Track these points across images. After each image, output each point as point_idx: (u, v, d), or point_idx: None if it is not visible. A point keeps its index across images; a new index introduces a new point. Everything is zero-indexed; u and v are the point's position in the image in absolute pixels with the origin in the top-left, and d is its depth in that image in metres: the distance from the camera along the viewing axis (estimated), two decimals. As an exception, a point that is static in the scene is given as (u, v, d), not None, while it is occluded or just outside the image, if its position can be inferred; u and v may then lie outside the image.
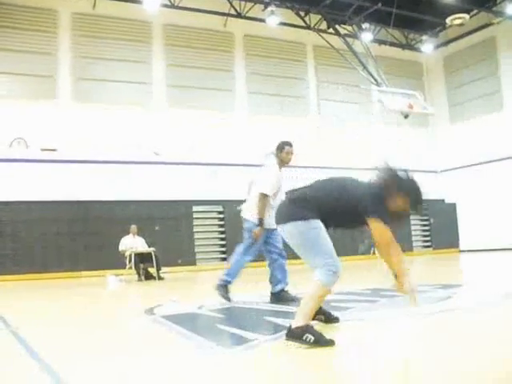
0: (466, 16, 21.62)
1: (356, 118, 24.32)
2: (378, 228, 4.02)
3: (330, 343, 3.77)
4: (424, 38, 25.42)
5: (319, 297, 4.02)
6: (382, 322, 5.06)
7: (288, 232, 4.23)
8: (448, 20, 21.95)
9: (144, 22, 20.82)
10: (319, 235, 4.10)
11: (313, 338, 3.76)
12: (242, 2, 21.74)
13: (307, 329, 3.83)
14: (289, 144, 7.35)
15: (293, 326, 3.89)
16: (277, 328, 4.77)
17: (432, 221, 24.72)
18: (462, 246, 25.15)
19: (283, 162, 7.34)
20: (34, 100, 18.78)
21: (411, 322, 4.92)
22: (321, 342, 3.75)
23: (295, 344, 3.81)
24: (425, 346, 3.89)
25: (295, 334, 3.84)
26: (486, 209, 23.96)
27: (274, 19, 21.24)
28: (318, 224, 4.12)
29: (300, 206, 4.22)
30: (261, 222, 7.01)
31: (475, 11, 22.96)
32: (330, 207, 4.20)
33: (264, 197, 7.05)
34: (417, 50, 26.21)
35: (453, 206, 25.81)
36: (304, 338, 3.78)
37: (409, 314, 5.14)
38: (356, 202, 4.13)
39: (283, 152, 7.30)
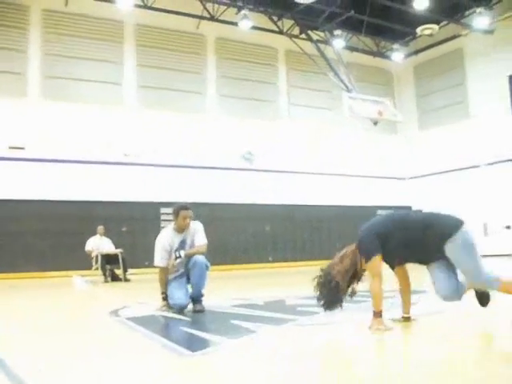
0: (436, 27, 22.01)
1: (326, 124, 24.47)
2: None
3: None
4: (395, 46, 25.71)
5: None
6: (345, 325, 5.11)
7: None
8: (418, 30, 22.32)
9: (116, 21, 20.69)
10: None
11: None
12: (216, 5, 21.72)
13: None
14: (184, 208, 6.77)
15: None
16: (242, 331, 4.79)
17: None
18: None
19: (179, 228, 6.78)
20: (2, 97, 18.52)
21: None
22: None
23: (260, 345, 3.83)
24: (384, 350, 3.95)
25: None
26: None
27: (247, 23, 21.28)
28: None
29: None
30: (165, 296, 6.66)
31: (444, 22, 23.37)
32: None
33: (159, 269, 6.73)
34: (387, 57, 26.49)
35: (420, 213, 26.05)
36: None
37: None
38: None
39: (179, 217, 6.74)
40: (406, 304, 5.01)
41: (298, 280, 13.09)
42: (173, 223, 6.84)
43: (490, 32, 22.88)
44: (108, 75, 20.40)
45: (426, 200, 25.68)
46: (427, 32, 22.57)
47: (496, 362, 3.35)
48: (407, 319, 4.94)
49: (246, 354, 3.96)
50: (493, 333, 4.59)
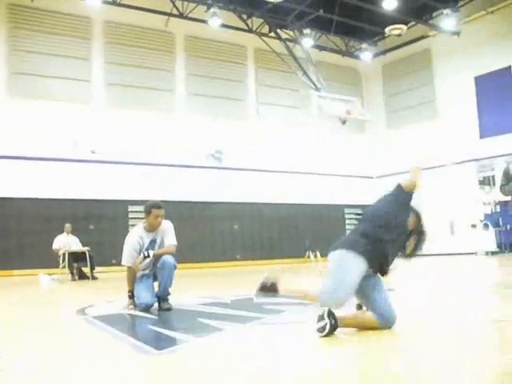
0: (404, 27, 22.25)
1: (295, 123, 24.58)
2: None
3: None
4: (363, 45, 25.95)
5: None
6: (311, 323, 5.14)
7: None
8: (387, 30, 22.54)
9: (84, 17, 20.53)
10: None
11: None
12: (185, 3, 21.67)
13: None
14: (157, 206, 6.60)
15: None
16: (209, 329, 4.79)
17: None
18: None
19: (151, 227, 6.61)
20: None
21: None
22: None
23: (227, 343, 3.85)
24: (349, 345, 3.99)
25: None
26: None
27: (216, 21, 21.28)
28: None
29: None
30: (131, 294, 6.55)
31: (412, 23, 23.66)
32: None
33: (127, 268, 6.61)
34: (356, 57, 26.70)
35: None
36: None
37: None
38: None
39: (151, 216, 6.56)
40: None
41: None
42: (143, 221, 6.72)
43: (456, 33, 23.25)
44: (76, 72, 20.21)
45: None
46: (396, 32, 22.82)
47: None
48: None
49: (213, 352, 3.97)
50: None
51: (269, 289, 4.54)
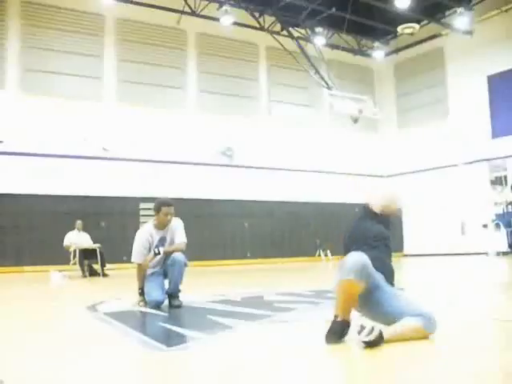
0: (416, 26, 22.20)
1: (306, 121, 24.55)
2: None
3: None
4: (376, 44, 25.86)
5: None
6: (320, 323, 5.14)
7: None
8: (399, 29, 22.48)
9: (97, 14, 20.56)
10: None
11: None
12: (197, 0, 21.67)
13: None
14: (167, 204, 6.58)
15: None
16: (219, 327, 4.80)
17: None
18: (406, 251, 25.66)
19: (161, 224, 6.62)
20: (-21, 90, 18.37)
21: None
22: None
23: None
24: (353, 348, 3.98)
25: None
26: (430, 214, 24.53)
27: (228, 19, 21.28)
28: None
29: None
30: (141, 291, 6.62)
31: (425, 22, 23.56)
32: None
33: (137, 265, 6.65)
34: (368, 56, 26.61)
35: (398, 211, 26.23)
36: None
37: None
38: None
39: (160, 213, 6.55)
40: None
41: (277, 276, 13.14)
42: (153, 219, 6.72)
43: (469, 33, 23.12)
44: (88, 69, 20.26)
45: (405, 198, 25.84)
46: (408, 31, 22.76)
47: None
48: None
49: (222, 349, 3.98)
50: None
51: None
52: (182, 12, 21.74)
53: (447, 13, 23.31)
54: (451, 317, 5.24)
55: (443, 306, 6.22)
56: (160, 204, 6.58)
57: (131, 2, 20.57)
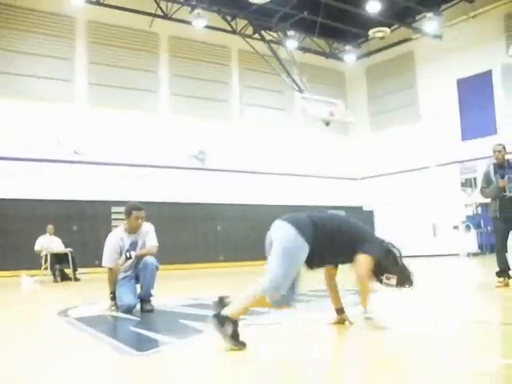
0: (387, 30, 22.41)
1: (278, 124, 24.65)
2: (363, 261, 4.47)
3: (241, 345, 3.84)
4: (347, 48, 26.06)
5: (254, 298, 4.18)
6: (294, 324, 5.17)
7: (282, 229, 4.35)
8: (370, 32, 22.65)
9: (68, 17, 20.44)
10: (297, 256, 4.24)
11: (231, 331, 3.84)
12: (169, 3, 21.64)
13: (232, 321, 3.89)
14: (137, 208, 6.58)
15: (222, 313, 3.94)
16: (191, 331, 4.81)
17: (350, 227, 25.11)
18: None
19: (132, 228, 6.61)
20: None
21: (322, 325, 5.05)
22: (235, 338, 3.83)
23: (213, 334, 3.88)
24: (329, 348, 4.03)
25: (219, 320, 3.88)
26: (401, 217, 24.74)
27: (201, 22, 21.27)
28: (305, 249, 4.26)
29: (306, 224, 4.36)
30: (113, 296, 6.53)
31: (396, 26, 23.81)
32: (331, 237, 4.44)
33: (108, 269, 6.58)
34: (340, 59, 26.80)
35: (370, 214, 26.49)
36: (224, 326, 3.85)
37: (324, 319, 5.30)
38: (358, 240, 4.56)
39: (131, 218, 6.55)
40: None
41: (250, 279, 13.15)
42: (124, 223, 6.72)
43: (439, 37, 23.42)
44: (59, 72, 20.12)
45: (377, 200, 26.09)
46: (379, 35, 22.95)
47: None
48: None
49: (194, 353, 3.99)
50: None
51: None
52: (154, 15, 21.69)
53: (417, 17, 23.65)
54: (432, 319, 5.32)
55: (423, 308, 6.31)
56: (130, 208, 6.58)
57: (103, 5, 20.45)
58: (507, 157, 8.17)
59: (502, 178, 7.96)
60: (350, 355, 3.78)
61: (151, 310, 6.41)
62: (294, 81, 21.00)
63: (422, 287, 9.46)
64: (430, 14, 22.37)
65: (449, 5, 23.01)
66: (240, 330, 3.89)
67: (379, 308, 6.02)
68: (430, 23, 22.69)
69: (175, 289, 10.89)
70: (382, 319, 4.76)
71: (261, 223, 23.80)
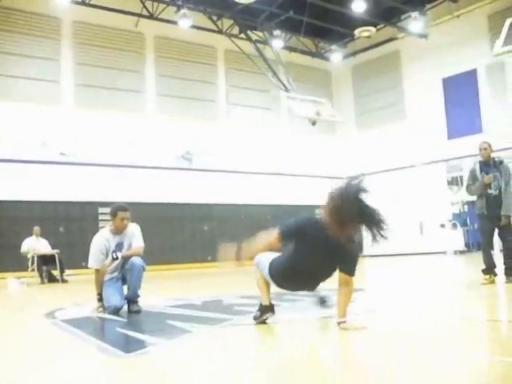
0: (373, 29, 22.50)
1: (265, 123, 24.66)
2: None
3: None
4: (333, 47, 26.14)
5: None
6: (280, 324, 5.18)
7: None
8: (356, 32, 22.72)
9: (53, 17, 20.31)
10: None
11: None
12: (155, 4, 21.60)
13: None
14: (122, 209, 6.57)
15: None
16: (178, 332, 4.80)
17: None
18: (365, 251, 25.88)
19: (117, 229, 6.59)
20: None
21: (307, 325, 5.07)
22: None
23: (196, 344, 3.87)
24: (315, 348, 4.04)
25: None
26: (388, 215, 24.69)
27: (186, 22, 21.23)
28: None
29: None
30: (100, 297, 6.54)
31: (381, 25, 23.91)
32: None
33: (95, 271, 6.57)
34: (326, 58, 26.87)
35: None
36: None
37: (307, 318, 5.31)
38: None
39: (117, 218, 6.53)
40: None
41: (237, 279, 13.16)
42: (110, 224, 6.71)
43: (424, 36, 23.55)
44: (45, 73, 20.00)
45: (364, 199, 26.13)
46: (365, 34, 23.01)
47: (420, 358, 3.47)
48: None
49: (181, 354, 3.99)
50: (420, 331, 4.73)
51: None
52: (140, 15, 21.64)
53: (402, 17, 23.78)
54: (419, 317, 5.34)
55: (409, 306, 6.33)
56: (116, 209, 6.57)
57: (88, 5, 20.37)
58: (493, 155, 8.24)
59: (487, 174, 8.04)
60: (336, 355, 3.79)
61: (138, 311, 6.40)
62: (280, 80, 21.03)
63: (408, 285, 9.54)
64: (415, 14, 22.48)
65: (433, 4, 23.16)
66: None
67: (365, 307, 6.05)
68: (415, 23, 22.80)
69: (162, 289, 10.88)
70: (358, 319, 4.76)
71: (248, 223, 24.04)
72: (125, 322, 5.85)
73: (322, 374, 3.21)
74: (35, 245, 14.64)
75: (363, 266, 18.73)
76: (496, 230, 8.11)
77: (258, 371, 3.36)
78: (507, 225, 7.92)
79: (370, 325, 4.54)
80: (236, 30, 22.98)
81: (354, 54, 26.99)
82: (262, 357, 3.77)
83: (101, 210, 19.30)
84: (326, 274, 4.64)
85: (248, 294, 7.37)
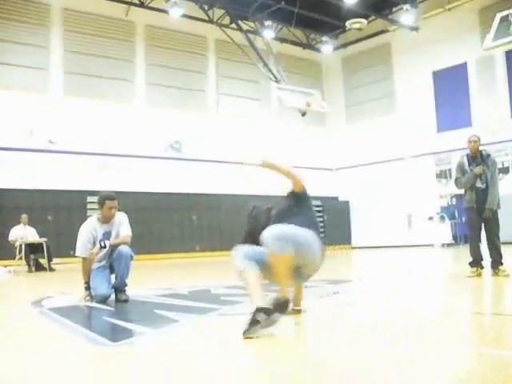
0: (364, 21, 22.49)
1: (255, 114, 24.64)
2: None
3: None
4: (324, 38, 26.12)
5: None
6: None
7: None
8: (347, 23, 22.72)
9: (43, 4, 20.16)
10: None
11: None
12: (146, -8, 21.51)
13: None
14: (110, 197, 6.54)
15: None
16: (166, 321, 4.80)
17: (326, 217, 25.31)
18: (353, 243, 26.02)
19: (105, 218, 6.58)
20: None
21: (295, 316, 5.08)
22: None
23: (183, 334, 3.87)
24: (302, 339, 4.05)
25: None
26: (376, 207, 24.91)
27: (177, 11, 21.16)
28: None
29: None
30: (87, 286, 6.51)
31: (373, 17, 23.89)
32: None
33: (82, 259, 6.55)
34: (317, 50, 26.85)
35: (346, 204, 26.66)
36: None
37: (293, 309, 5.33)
38: None
39: (104, 207, 6.51)
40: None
41: (225, 269, 13.18)
42: (97, 213, 6.70)
43: (415, 29, 23.57)
44: (34, 60, 19.88)
45: (353, 191, 26.24)
46: (356, 26, 23.01)
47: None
48: (298, 311, 4.93)
49: (168, 343, 3.99)
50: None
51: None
52: (131, 3, 21.53)
53: (394, 9, 23.80)
54: (405, 310, 5.36)
55: (396, 299, 6.36)
56: (103, 198, 6.55)
57: (78, -8, 20.26)
58: (481, 148, 8.28)
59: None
60: (324, 349, 3.80)
61: (126, 300, 6.39)
62: (270, 71, 21.03)
63: (394, 277, 9.58)
64: (406, 6, 22.50)
65: (425, -3, 23.19)
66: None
67: (348, 299, 6.07)
68: (406, 15, 22.83)
69: (150, 279, 10.87)
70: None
71: (237, 213, 23.99)
72: (112, 311, 5.84)
73: (307, 367, 3.22)
74: (23, 233, 14.60)
75: (350, 257, 18.81)
76: (483, 223, 8.15)
77: (245, 360, 3.37)
78: (490, 218, 7.97)
79: (350, 317, 4.54)
80: (227, 20, 22.92)
81: (345, 45, 26.99)
82: (248, 346, 3.78)
83: (89, 198, 19.20)
84: None
85: (235, 284, 7.37)
